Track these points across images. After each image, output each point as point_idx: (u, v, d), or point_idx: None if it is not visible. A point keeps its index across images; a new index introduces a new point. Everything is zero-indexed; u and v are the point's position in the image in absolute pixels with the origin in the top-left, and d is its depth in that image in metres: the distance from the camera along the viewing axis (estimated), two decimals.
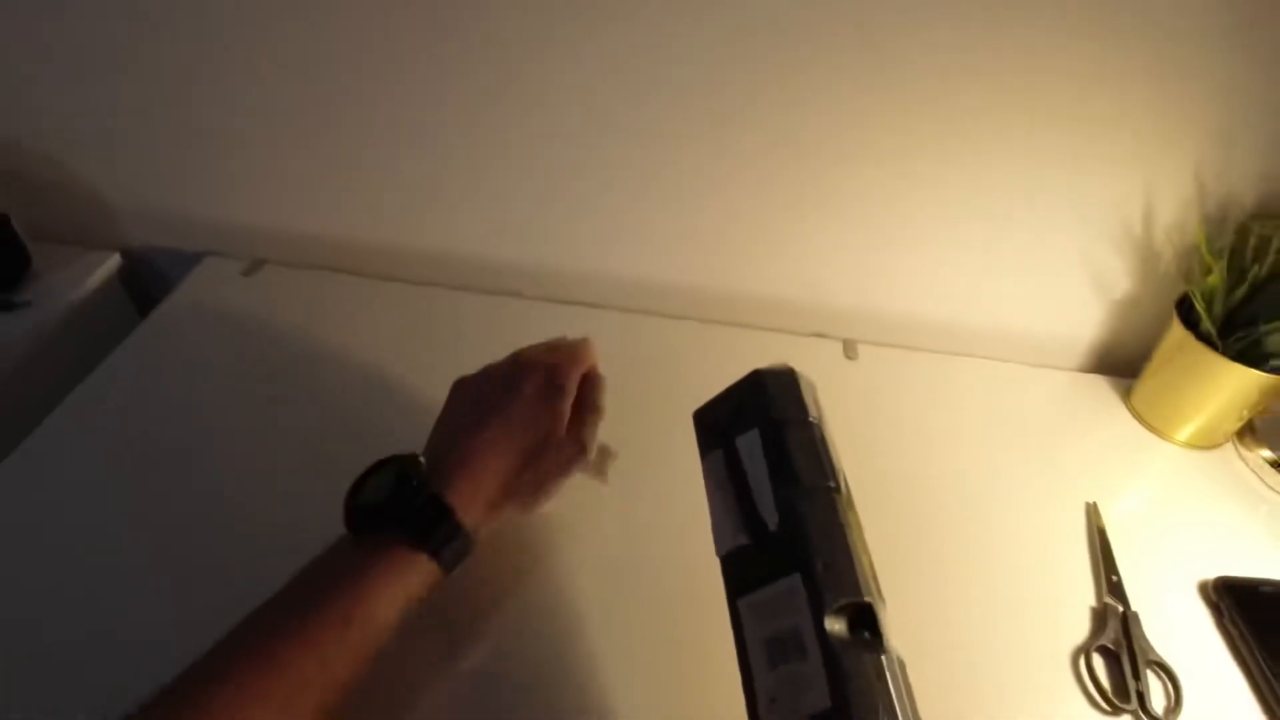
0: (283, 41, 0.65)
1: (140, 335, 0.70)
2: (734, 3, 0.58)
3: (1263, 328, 0.59)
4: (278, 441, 0.61)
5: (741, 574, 0.37)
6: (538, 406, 0.48)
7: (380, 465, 0.44)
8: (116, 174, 0.77)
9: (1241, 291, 0.60)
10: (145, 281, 0.83)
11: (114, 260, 0.79)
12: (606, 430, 0.52)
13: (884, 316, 0.76)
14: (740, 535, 0.37)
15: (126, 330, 0.70)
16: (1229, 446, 0.70)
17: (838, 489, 0.38)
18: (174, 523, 0.55)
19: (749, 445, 0.39)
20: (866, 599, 0.33)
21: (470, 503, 0.43)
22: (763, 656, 0.33)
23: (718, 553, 0.39)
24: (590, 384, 0.51)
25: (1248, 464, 0.68)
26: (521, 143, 0.69)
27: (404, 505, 0.41)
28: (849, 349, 0.75)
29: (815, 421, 0.40)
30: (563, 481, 0.48)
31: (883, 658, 0.31)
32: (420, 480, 0.43)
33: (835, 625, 0.32)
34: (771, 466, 0.38)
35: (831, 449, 0.40)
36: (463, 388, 0.51)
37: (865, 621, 0.33)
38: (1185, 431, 0.68)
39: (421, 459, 0.45)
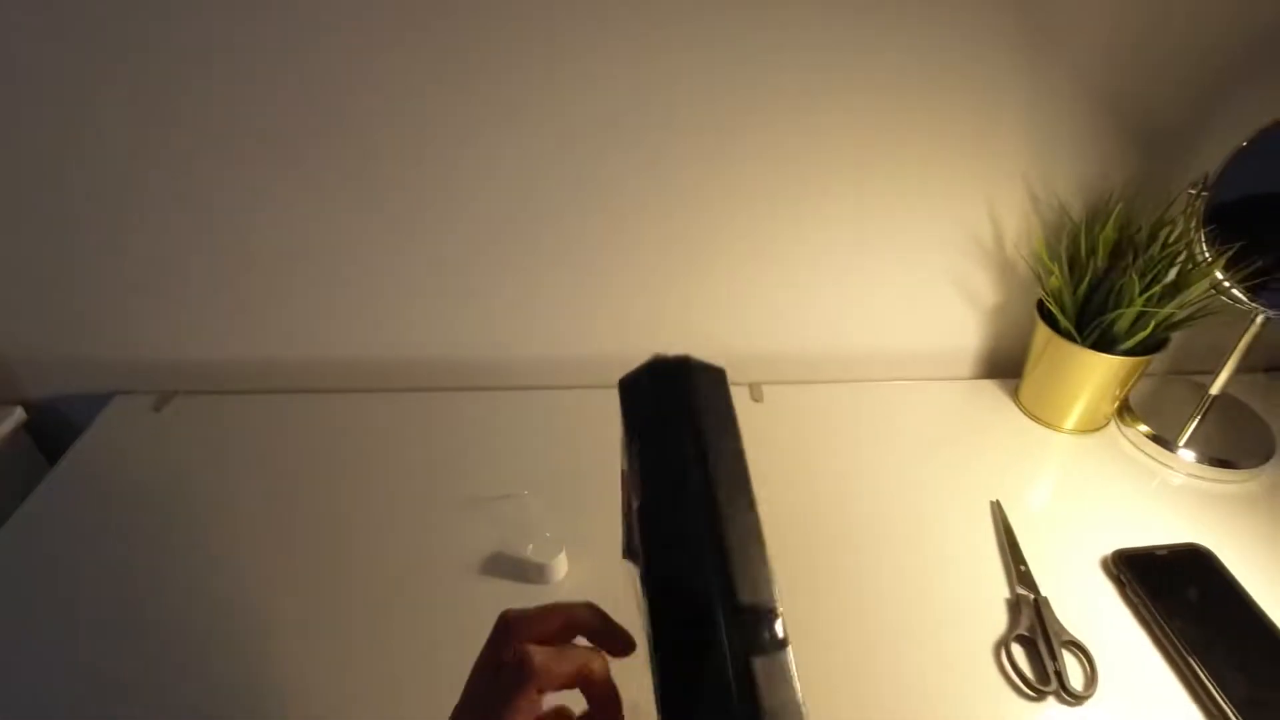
0: (161, 169, 0.66)
1: (51, 483, 0.69)
2: (614, 88, 0.63)
3: (1109, 316, 0.65)
4: (206, 575, 0.61)
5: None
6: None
7: None
8: (6, 326, 0.76)
9: (1084, 287, 0.66)
10: (53, 430, 0.82)
11: (16, 414, 0.78)
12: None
13: (785, 357, 0.80)
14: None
15: (39, 481, 0.69)
16: (1111, 427, 0.75)
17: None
18: (96, 676, 0.54)
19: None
20: None
21: None
22: None
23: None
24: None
25: (1130, 440, 0.74)
26: (419, 239, 0.71)
27: None
28: (754, 392, 0.79)
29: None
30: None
31: None
32: None
33: None
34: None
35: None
36: None
37: None
38: (1070, 420, 0.74)
39: None
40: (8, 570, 0.61)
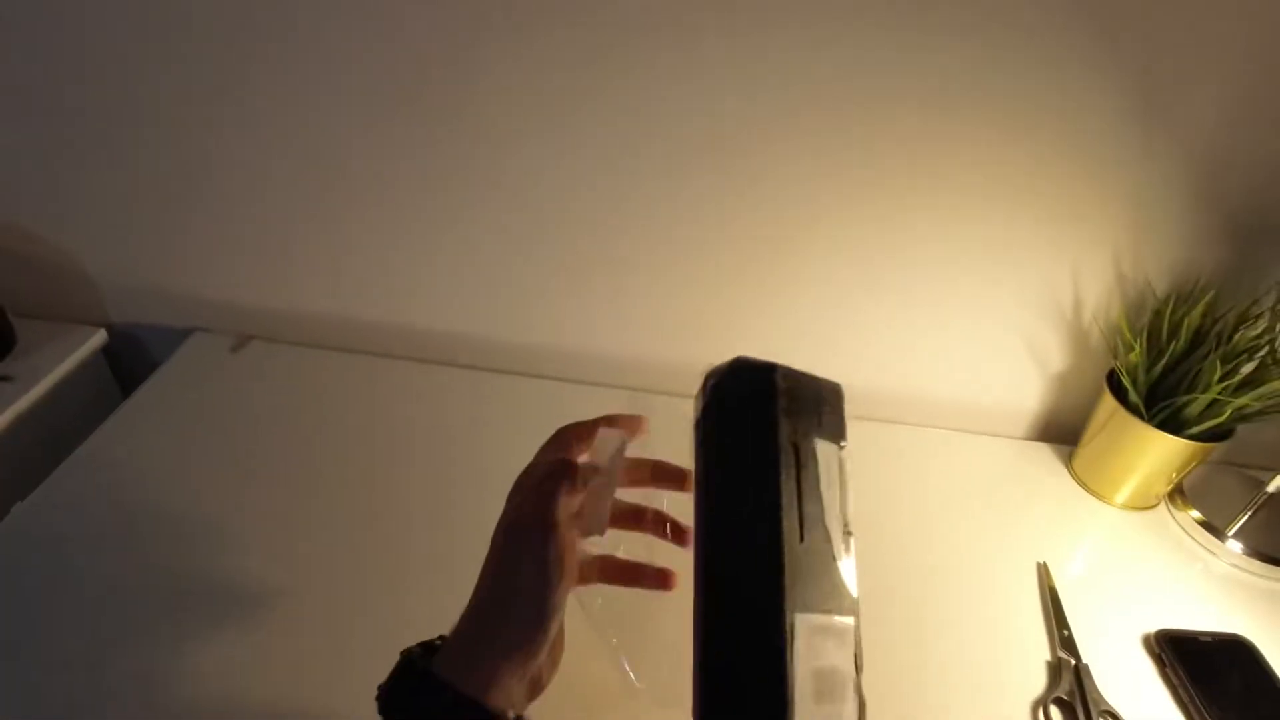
0: (270, 122, 0.69)
1: (128, 410, 0.71)
2: (697, 101, 0.65)
3: (1181, 399, 0.66)
4: (264, 520, 0.63)
5: (796, 579, 0.33)
6: (526, 539, 0.40)
7: (401, 667, 0.39)
8: (103, 251, 0.79)
9: (1161, 366, 0.67)
10: (129, 358, 0.84)
11: (99, 336, 0.80)
12: None
13: (847, 390, 0.81)
14: (808, 540, 0.35)
15: (110, 407, 0.71)
16: (1162, 507, 0.76)
17: None
18: (156, 601, 0.56)
19: (830, 457, 0.37)
20: None
21: (486, 673, 0.37)
22: (809, 685, 0.32)
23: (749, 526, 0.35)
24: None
25: (1179, 524, 0.74)
26: (507, 226, 0.73)
27: (417, 695, 0.37)
28: None
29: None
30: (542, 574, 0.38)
31: None
32: (438, 681, 0.37)
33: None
34: (843, 494, 0.37)
35: None
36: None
37: None
38: (1122, 494, 0.74)
39: (439, 641, 0.41)
40: (78, 496, 0.63)
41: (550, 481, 0.41)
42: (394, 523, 0.63)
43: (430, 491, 0.67)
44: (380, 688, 0.38)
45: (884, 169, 0.67)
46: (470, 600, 0.40)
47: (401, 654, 0.40)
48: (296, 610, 0.56)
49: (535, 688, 0.42)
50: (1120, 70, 0.61)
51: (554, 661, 0.43)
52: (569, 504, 0.40)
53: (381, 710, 0.38)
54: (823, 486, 0.36)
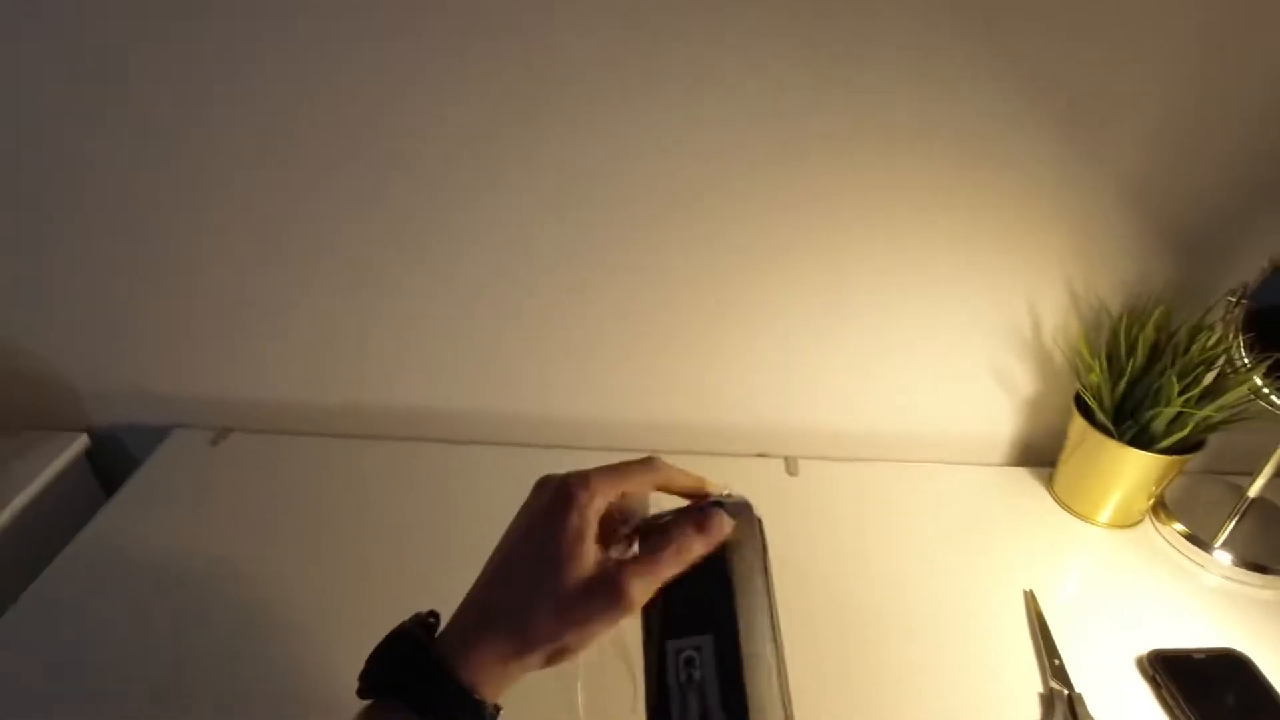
0: (235, 216, 0.70)
1: (111, 510, 0.72)
2: (648, 141, 0.66)
3: (1146, 414, 0.67)
4: (253, 611, 0.63)
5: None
6: (541, 528, 0.39)
7: (397, 630, 0.40)
8: (78, 356, 0.80)
9: (1124, 384, 0.68)
10: (111, 459, 0.85)
11: (81, 441, 0.81)
12: None
13: (821, 432, 0.81)
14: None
15: (93, 510, 0.72)
16: (1146, 523, 0.76)
17: None
18: (146, 699, 0.55)
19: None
20: None
21: (481, 665, 0.37)
22: None
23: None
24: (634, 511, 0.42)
25: (1164, 538, 0.74)
26: (480, 295, 0.75)
27: (409, 674, 0.37)
28: (790, 465, 0.80)
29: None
30: (590, 629, 0.37)
31: None
32: (424, 647, 0.38)
33: None
34: None
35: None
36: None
37: None
38: (1104, 513, 0.74)
39: (434, 620, 0.41)
40: (66, 599, 0.63)
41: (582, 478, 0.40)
42: (388, 603, 0.63)
43: (424, 569, 0.66)
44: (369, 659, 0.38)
45: (832, 207, 0.69)
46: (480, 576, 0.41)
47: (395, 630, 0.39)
48: (292, 703, 0.56)
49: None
50: (1054, 100, 0.63)
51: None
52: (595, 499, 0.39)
53: (366, 685, 0.38)
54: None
